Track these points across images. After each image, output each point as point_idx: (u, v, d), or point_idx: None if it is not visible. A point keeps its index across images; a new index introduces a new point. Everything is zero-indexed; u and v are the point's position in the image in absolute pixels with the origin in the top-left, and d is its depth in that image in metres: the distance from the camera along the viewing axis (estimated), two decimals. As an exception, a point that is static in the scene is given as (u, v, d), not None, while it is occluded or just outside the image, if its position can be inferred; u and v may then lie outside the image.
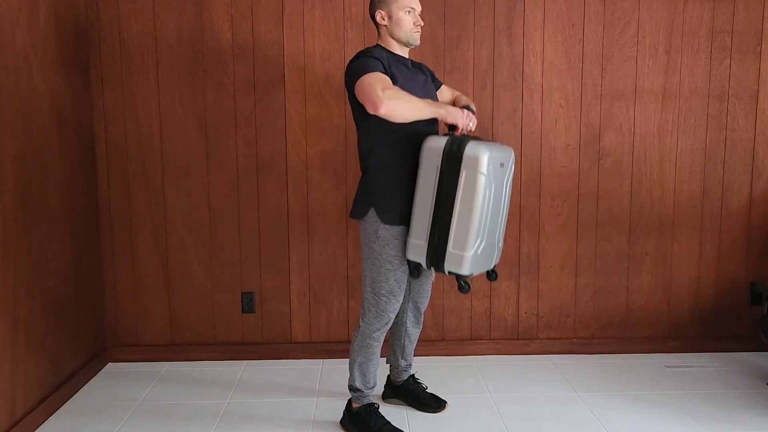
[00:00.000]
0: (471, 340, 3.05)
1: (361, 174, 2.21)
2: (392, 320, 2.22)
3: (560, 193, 2.98)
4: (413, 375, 2.54)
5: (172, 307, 2.96)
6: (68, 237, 2.59)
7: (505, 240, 2.98)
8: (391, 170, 2.11)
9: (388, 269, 2.14)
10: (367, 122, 2.10)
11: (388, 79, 2.01)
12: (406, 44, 2.17)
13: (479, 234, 2.00)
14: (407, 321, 2.40)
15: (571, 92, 2.93)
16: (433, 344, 3.02)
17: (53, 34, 2.49)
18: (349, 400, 2.33)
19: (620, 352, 3.06)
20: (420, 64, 2.31)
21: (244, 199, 2.92)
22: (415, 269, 2.16)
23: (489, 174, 1.96)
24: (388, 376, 2.54)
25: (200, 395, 2.61)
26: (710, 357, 3.02)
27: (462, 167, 1.96)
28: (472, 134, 2.15)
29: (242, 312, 2.98)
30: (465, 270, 2.02)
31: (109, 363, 2.96)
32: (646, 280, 3.05)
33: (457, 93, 2.44)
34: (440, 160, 2.00)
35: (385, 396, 2.55)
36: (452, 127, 2.10)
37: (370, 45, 2.82)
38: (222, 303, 2.97)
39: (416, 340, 2.48)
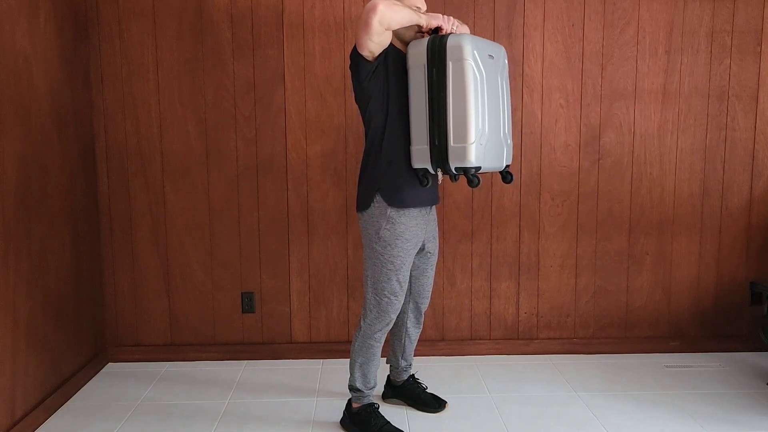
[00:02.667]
0: (471, 340, 3.05)
1: (360, 171, 2.21)
2: (393, 321, 2.22)
3: (560, 193, 2.98)
4: (413, 375, 2.54)
5: (172, 307, 2.96)
6: (68, 237, 2.59)
7: (504, 240, 2.99)
8: (395, 153, 2.11)
9: (389, 270, 2.14)
10: (371, 108, 2.11)
11: None
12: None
13: (478, 121, 1.97)
14: (408, 321, 2.40)
15: (571, 92, 2.93)
16: (433, 344, 3.02)
17: (53, 34, 2.49)
18: (349, 400, 2.33)
19: (620, 352, 3.06)
20: None
21: (244, 198, 2.92)
22: (423, 177, 2.11)
23: (476, 61, 1.96)
24: (388, 376, 2.54)
25: (200, 395, 2.61)
26: (710, 357, 3.03)
27: (447, 59, 1.97)
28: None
29: (242, 312, 2.98)
30: (471, 160, 1.96)
31: (109, 363, 2.96)
32: (646, 279, 3.05)
33: None
34: (425, 58, 2.01)
35: (385, 396, 2.55)
36: (436, 30, 2.11)
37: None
38: (222, 303, 2.97)
39: (416, 341, 2.48)
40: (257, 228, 2.94)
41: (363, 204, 2.17)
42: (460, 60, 1.95)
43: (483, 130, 2.00)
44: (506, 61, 2.18)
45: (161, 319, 2.96)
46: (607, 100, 2.94)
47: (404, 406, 2.50)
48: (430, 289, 2.41)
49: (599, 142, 2.96)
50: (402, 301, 2.21)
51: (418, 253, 2.27)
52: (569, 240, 3.01)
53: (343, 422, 2.33)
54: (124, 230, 2.91)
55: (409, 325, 2.41)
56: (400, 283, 2.16)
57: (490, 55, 2.05)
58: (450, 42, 1.97)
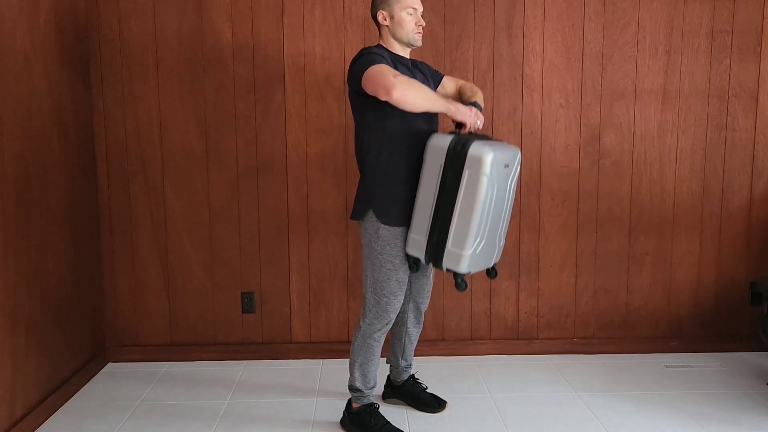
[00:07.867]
0: (471, 340, 3.05)
1: (360, 174, 2.21)
2: (393, 320, 2.22)
3: (560, 193, 2.98)
4: (413, 375, 2.54)
5: (172, 307, 2.96)
6: (68, 237, 2.59)
7: (505, 239, 2.98)
8: (389, 170, 2.10)
9: (389, 269, 2.14)
10: (367, 121, 2.10)
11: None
12: (407, 45, 2.17)
13: (479, 234, 2.00)
14: (408, 321, 2.40)
15: (571, 92, 2.93)
16: (433, 344, 3.02)
17: (53, 35, 2.49)
18: (349, 400, 2.33)
19: (620, 352, 3.06)
20: (419, 62, 2.30)
21: (244, 199, 2.92)
22: (413, 264, 2.16)
23: (492, 175, 1.96)
24: (388, 376, 2.54)
25: (200, 395, 2.61)
26: (710, 357, 3.02)
27: (465, 167, 1.96)
28: (479, 132, 2.15)
29: (242, 312, 2.98)
30: (462, 269, 2.02)
31: (109, 363, 2.96)
32: (646, 279, 3.05)
33: (461, 82, 2.40)
34: (444, 159, 2.00)
35: (385, 396, 2.55)
36: (459, 125, 2.10)
37: (370, 45, 2.83)
38: (222, 303, 2.97)
39: (416, 341, 2.48)
40: (257, 228, 2.94)
41: (357, 215, 2.19)
42: (477, 173, 1.94)
43: (481, 241, 2.03)
44: (519, 167, 2.17)
45: (161, 319, 2.96)
46: (607, 100, 2.94)
47: (404, 406, 2.50)
48: (430, 289, 2.41)
49: (599, 142, 2.96)
50: (401, 301, 2.21)
51: (418, 253, 2.27)
52: (569, 240, 3.01)
53: (343, 422, 2.33)
54: (124, 230, 2.91)
55: (409, 325, 2.41)
56: (399, 282, 2.16)
57: (505, 165, 2.05)
58: (472, 151, 1.95)
